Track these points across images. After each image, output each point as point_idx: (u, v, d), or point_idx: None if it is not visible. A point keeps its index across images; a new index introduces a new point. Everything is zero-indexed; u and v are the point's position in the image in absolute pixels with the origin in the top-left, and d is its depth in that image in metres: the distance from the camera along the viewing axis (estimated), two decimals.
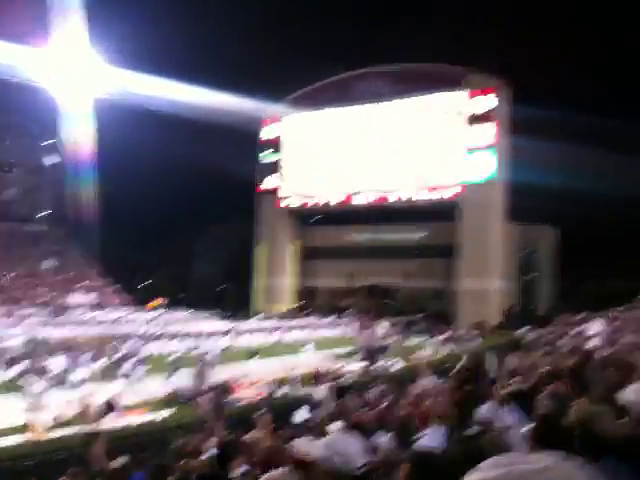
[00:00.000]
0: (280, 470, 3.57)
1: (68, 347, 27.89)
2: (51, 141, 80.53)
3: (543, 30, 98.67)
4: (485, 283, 52.21)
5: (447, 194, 56.54)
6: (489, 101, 55.17)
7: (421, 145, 58.15)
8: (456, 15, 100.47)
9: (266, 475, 3.27)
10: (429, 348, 31.87)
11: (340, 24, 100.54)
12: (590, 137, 55.51)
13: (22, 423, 15.22)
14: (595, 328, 25.43)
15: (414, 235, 60.84)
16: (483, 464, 0.96)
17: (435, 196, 57.25)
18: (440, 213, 57.70)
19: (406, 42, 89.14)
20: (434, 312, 54.05)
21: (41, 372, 22.03)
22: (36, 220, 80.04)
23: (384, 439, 4.54)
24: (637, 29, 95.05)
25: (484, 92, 55.39)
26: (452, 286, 54.97)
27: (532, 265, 62.30)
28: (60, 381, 21.65)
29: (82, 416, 14.84)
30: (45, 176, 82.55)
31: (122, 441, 11.39)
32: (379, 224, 62.13)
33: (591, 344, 18.20)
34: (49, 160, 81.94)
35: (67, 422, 15.21)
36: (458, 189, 55.73)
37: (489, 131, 54.79)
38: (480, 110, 55.35)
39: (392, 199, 59.62)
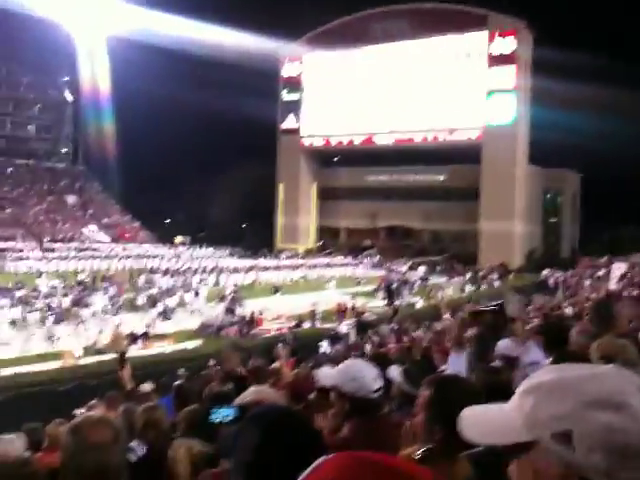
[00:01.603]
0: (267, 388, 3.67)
1: (104, 279, 28.53)
2: (68, 78, 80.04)
3: None
4: (507, 225, 51.93)
5: (469, 136, 55.78)
6: (510, 43, 53.68)
7: (442, 86, 56.98)
8: None
9: (256, 389, 3.39)
10: (450, 288, 32.08)
11: None
12: (616, 79, 54.05)
13: (57, 350, 15.79)
14: (618, 271, 25.38)
15: (436, 177, 60.38)
16: (539, 371, 1.00)
17: (457, 138, 56.53)
18: (462, 155, 57.07)
19: None
20: (455, 253, 54.11)
21: (76, 303, 22.61)
22: (56, 157, 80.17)
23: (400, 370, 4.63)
24: None
25: (505, 34, 53.87)
26: (474, 228, 54.80)
27: (555, 209, 61.75)
28: (92, 311, 22.16)
29: (112, 344, 15.34)
30: (64, 113, 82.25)
31: (150, 368, 11.80)
32: (401, 165, 61.65)
33: (614, 286, 18.23)
34: (67, 97, 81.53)
35: (98, 350, 15.77)
36: (480, 131, 54.93)
37: (510, 73, 53.52)
38: (501, 52, 53.94)
39: (414, 140, 58.97)
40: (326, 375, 4.23)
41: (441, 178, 60.21)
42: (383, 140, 60.89)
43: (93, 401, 8.01)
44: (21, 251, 46.04)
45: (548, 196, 61.19)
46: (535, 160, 56.85)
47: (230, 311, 21.51)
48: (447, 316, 14.52)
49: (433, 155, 58.83)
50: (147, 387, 8.31)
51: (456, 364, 3.16)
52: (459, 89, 55.99)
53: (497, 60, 54.19)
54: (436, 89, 57.22)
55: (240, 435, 1.41)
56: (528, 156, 55.94)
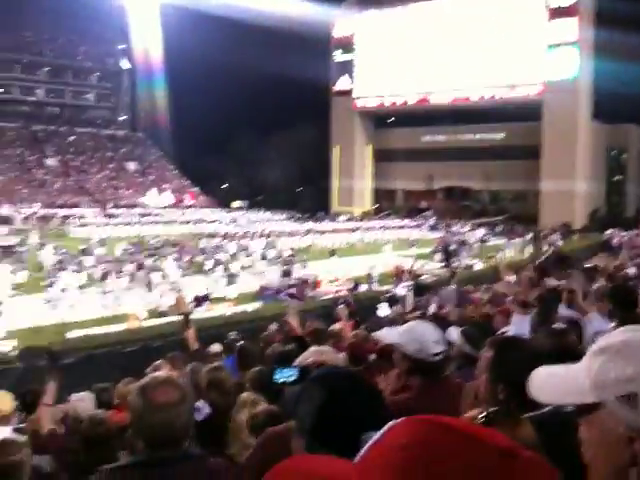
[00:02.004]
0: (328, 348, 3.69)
1: (167, 244, 29.22)
2: (123, 46, 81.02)
3: None
4: (569, 184, 50.41)
5: (529, 92, 53.96)
6: None
7: (500, 41, 54.95)
8: None
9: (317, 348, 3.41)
10: (510, 249, 31.55)
11: None
12: None
13: (122, 313, 16.37)
14: None
15: (495, 135, 58.87)
16: (611, 333, 0.99)
17: (516, 95, 54.77)
18: (522, 112, 55.37)
19: None
20: (515, 214, 52.99)
21: (142, 267, 23.25)
22: (115, 124, 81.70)
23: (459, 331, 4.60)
24: None
25: None
26: (535, 187, 53.43)
27: (619, 166, 59.48)
28: (157, 275, 22.73)
29: (176, 307, 15.74)
30: (121, 81, 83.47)
31: (212, 330, 12.08)
32: (458, 124, 60.30)
33: None
34: (123, 65, 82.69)
35: (161, 312, 16.27)
36: (540, 87, 53.05)
37: (572, 25, 51.20)
38: (562, 3, 51.56)
39: (471, 98, 57.44)
40: (389, 334, 4.24)
41: (500, 136, 58.67)
42: (439, 99, 59.52)
43: (158, 361, 8.26)
44: (84, 217, 47.48)
45: (612, 153, 58.91)
46: (599, 116, 54.67)
47: (287, 274, 21.81)
48: (507, 277, 14.24)
49: (491, 113, 57.38)
50: (216, 347, 8.49)
51: (520, 325, 3.10)
52: (518, 44, 54.03)
53: (558, 12, 51.91)
54: (493, 45, 55.32)
55: (303, 396, 1.43)
56: (591, 112, 53.83)
